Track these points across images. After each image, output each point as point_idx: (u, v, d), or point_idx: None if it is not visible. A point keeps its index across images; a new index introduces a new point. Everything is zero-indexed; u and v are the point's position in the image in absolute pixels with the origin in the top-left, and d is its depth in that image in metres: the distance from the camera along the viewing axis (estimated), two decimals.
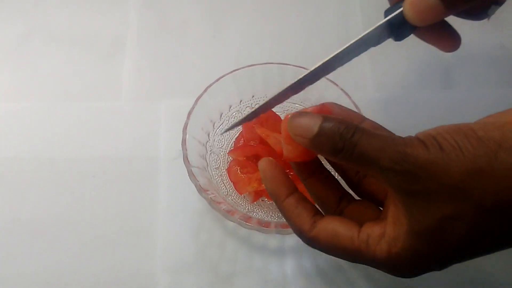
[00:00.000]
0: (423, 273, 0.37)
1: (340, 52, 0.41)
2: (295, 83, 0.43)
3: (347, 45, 0.41)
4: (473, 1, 0.39)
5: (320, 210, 0.41)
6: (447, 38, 0.43)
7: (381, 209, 0.41)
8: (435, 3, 0.38)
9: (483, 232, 0.34)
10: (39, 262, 0.55)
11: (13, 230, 0.57)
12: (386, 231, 0.37)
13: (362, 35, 0.40)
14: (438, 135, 0.34)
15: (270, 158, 0.42)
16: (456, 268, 0.37)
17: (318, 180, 0.42)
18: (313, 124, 0.37)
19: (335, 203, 0.42)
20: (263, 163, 0.41)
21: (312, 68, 0.42)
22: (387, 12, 0.40)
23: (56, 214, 0.57)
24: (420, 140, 0.34)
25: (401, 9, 0.39)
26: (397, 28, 0.40)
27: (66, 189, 0.59)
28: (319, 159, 0.43)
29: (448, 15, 0.39)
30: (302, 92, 0.59)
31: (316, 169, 0.43)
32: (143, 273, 0.55)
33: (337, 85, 0.57)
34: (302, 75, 0.42)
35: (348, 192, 0.43)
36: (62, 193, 0.59)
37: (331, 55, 0.42)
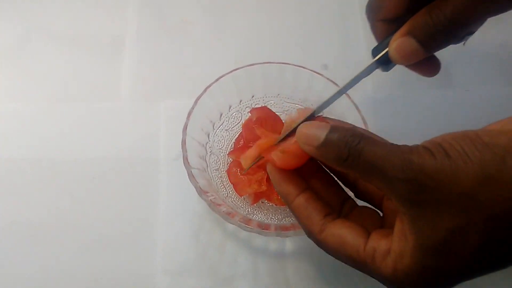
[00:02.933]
0: None
1: (337, 92, 0.46)
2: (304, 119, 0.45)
3: (343, 84, 0.45)
4: (449, 43, 0.42)
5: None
6: (428, 66, 0.46)
7: (381, 214, 0.42)
8: (416, 48, 0.42)
9: (495, 243, 0.33)
10: (38, 264, 0.55)
11: (12, 232, 0.56)
12: (392, 248, 0.36)
13: (355, 74, 0.45)
14: (444, 142, 0.34)
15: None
16: None
17: (320, 181, 0.44)
18: (320, 133, 0.38)
19: (338, 205, 0.43)
20: (270, 166, 0.43)
21: (308, 114, 0.45)
22: (374, 51, 0.45)
23: (56, 216, 0.57)
24: (426, 148, 0.34)
25: (386, 50, 0.44)
26: (384, 64, 0.45)
27: (65, 190, 0.59)
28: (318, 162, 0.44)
29: (428, 55, 0.43)
30: (302, 93, 0.59)
31: (318, 170, 0.44)
32: (142, 275, 0.54)
33: (337, 85, 0.56)
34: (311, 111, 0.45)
35: (351, 197, 0.44)
36: (61, 194, 0.59)
37: (328, 96, 0.46)
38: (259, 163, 0.51)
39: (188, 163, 0.52)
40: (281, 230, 0.49)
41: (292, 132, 0.44)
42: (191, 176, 0.52)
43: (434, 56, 0.46)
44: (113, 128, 0.63)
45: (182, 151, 0.53)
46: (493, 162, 0.32)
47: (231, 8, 0.73)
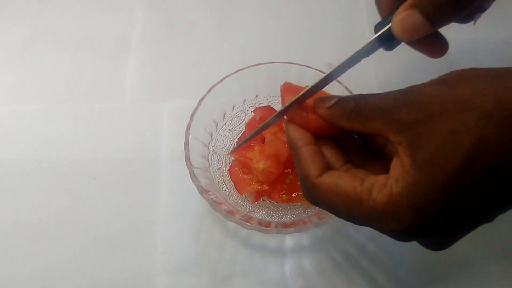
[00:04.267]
0: (423, 220, 0.34)
1: (336, 68, 0.43)
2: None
3: (342, 61, 0.42)
4: (457, 18, 0.40)
5: None
6: (434, 45, 0.44)
7: None
8: (421, 22, 0.39)
9: (488, 143, 0.32)
10: (39, 264, 0.55)
11: (13, 232, 0.57)
12: (389, 177, 0.35)
13: (355, 51, 0.42)
14: (443, 75, 0.36)
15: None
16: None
17: (347, 137, 0.43)
18: (332, 98, 0.40)
19: (357, 158, 0.42)
20: (287, 120, 0.43)
21: (312, 84, 0.43)
22: (377, 27, 0.43)
23: (57, 216, 0.58)
24: (428, 82, 0.36)
25: (389, 25, 0.41)
26: (387, 41, 0.42)
27: (67, 190, 0.59)
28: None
29: (434, 30, 0.40)
30: None
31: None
32: (143, 274, 0.54)
33: (341, 83, 0.56)
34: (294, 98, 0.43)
35: (371, 155, 0.43)
36: (63, 194, 0.59)
37: (327, 72, 0.43)
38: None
39: (190, 163, 0.52)
40: (282, 227, 0.49)
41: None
42: (193, 175, 0.52)
43: (441, 35, 0.44)
44: (117, 128, 0.63)
45: (185, 151, 0.53)
46: (487, 76, 0.34)
47: (236, 8, 0.73)
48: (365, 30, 0.70)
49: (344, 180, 0.37)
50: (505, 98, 0.32)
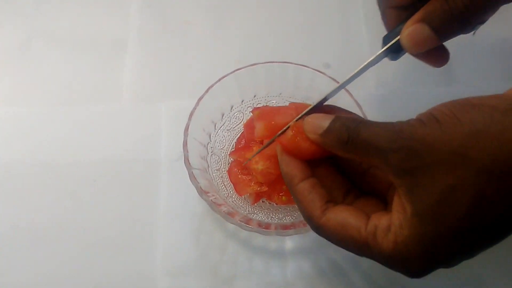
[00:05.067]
0: (432, 267, 0.36)
1: (346, 80, 0.45)
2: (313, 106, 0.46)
3: (353, 73, 0.44)
4: (464, 32, 0.42)
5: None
6: (437, 56, 0.45)
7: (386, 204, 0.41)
8: (430, 35, 0.41)
9: (488, 198, 0.33)
10: (39, 267, 0.55)
11: (13, 235, 0.57)
12: (392, 221, 0.36)
13: (365, 63, 0.44)
14: (434, 110, 0.35)
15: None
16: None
17: (327, 171, 0.44)
18: (324, 122, 0.40)
19: (342, 195, 0.43)
20: (280, 147, 0.43)
21: (318, 101, 0.46)
22: (385, 39, 0.44)
23: (57, 219, 0.58)
24: (417, 119, 0.35)
25: (397, 37, 0.43)
26: (393, 52, 0.44)
27: (66, 193, 0.59)
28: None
29: (441, 43, 0.42)
30: (304, 91, 0.59)
31: (325, 161, 0.44)
32: (143, 276, 0.54)
33: (338, 82, 0.56)
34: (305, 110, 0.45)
35: (354, 187, 0.44)
36: (62, 197, 0.59)
37: (338, 85, 0.46)
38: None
39: (189, 163, 0.52)
40: (281, 229, 0.49)
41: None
42: (192, 176, 0.52)
43: (443, 46, 0.45)
44: (115, 130, 0.63)
45: (183, 152, 0.53)
46: (481, 119, 0.33)
47: (232, 8, 0.73)
48: (361, 29, 0.70)
49: (348, 221, 0.38)
50: (502, 152, 0.32)
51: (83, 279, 0.54)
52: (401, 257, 0.36)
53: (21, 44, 0.70)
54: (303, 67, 0.58)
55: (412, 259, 0.35)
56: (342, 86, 0.46)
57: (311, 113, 0.43)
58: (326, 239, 0.40)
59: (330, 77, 0.57)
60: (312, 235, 0.55)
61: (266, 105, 0.60)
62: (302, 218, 0.53)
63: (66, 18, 0.73)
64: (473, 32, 0.43)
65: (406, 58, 0.66)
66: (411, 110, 0.62)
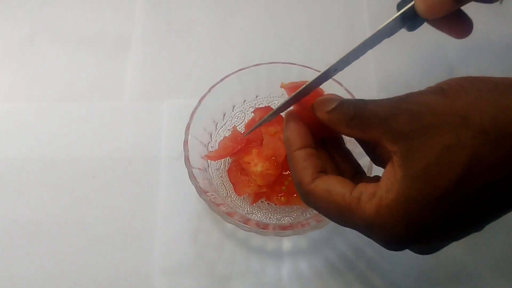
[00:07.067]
0: (412, 238, 0.35)
1: (358, 46, 0.42)
2: (322, 73, 0.43)
3: (364, 39, 0.42)
4: None
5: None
6: (459, 25, 0.44)
7: None
8: None
9: (483, 162, 0.32)
10: (36, 263, 0.55)
11: (11, 231, 0.57)
12: (379, 186, 0.35)
13: (378, 28, 0.41)
14: (442, 83, 0.35)
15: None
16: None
17: (341, 155, 0.44)
18: (333, 101, 0.40)
19: (351, 176, 0.42)
20: (290, 111, 0.43)
21: (329, 66, 0.43)
22: (399, 5, 0.42)
23: (55, 215, 0.58)
24: (425, 89, 0.36)
25: (412, 2, 0.40)
26: (409, 20, 0.41)
27: (65, 189, 0.59)
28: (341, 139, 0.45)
29: (458, 7, 0.40)
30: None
31: (340, 145, 0.45)
32: (140, 274, 0.54)
33: (341, 85, 0.56)
34: (327, 67, 0.43)
35: (363, 171, 0.44)
36: (61, 193, 0.59)
37: (350, 49, 0.42)
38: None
39: (189, 162, 0.52)
40: (279, 229, 0.49)
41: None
42: (191, 175, 0.52)
43: (465, 14, 0.43)
44: (116, 127, 0.63)
45: (184, 151, 0.53)
46: (485, 89, 0.33)
47: (236, 8, 0.73)
48: (365, 30, 0.70)
49: (335, 187, 0.38)
50: (503, 116, 0.32)
51: (81, 276, 0.54)
52: (382, 221, 0.34)
53: (24, 40, 0.70)
54: (306, 68, 0.58)
55: (393, 224, 0.34)
56: (350, 57, 0.42)
57: (317, 82, 0.43)
58: (313, 207, 0.40)
59: (332, 78, 0.56)
60: (309, 236, 0.56)
61: (268, 106, 0.60)
62: (300, 219, 0.53)
63: (70, 14, 0.73)
64: (500, 0, 0.41)
65: (409, 61, 0.66)
66: None
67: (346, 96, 0.55)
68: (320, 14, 0.73)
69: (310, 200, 0.39)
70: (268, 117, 0.45)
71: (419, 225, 0.34)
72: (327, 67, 0.42)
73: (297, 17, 0.73)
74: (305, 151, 0.41)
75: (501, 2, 0.42)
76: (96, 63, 0.68)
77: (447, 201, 0.33)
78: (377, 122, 0.36)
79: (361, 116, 0.37)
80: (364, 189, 0.36)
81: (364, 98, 0.39)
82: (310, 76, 0.56)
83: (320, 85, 0.43)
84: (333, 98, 0.41)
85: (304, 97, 0.43)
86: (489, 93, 0.33)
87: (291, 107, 0.44)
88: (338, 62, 0.42)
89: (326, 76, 0.43)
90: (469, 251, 0.54)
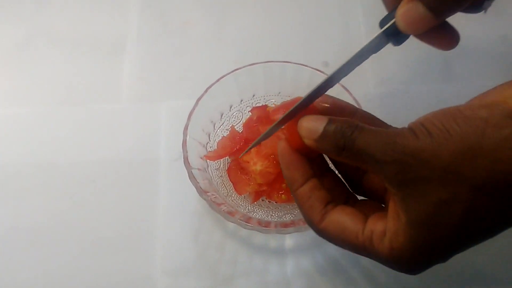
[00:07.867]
0: (428, 267, 0.37)
1: (343, 65, 0.42)
2: (305, 98, 0.43)
3: (349, 57, 0.42)
4: (462, 7, 0.39)
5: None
6: (443, 38, 0.43)
7: (384, 206, 0.42)
8: (425, 13, 0.38)
9: (480, 212, 0.34)
10: (38, 268, 0.55)
11: (12, 235, 0.57)
12: (387, 227, 0.37)
13: (362, 47, 0.41)
14: (426, 121, 0.35)
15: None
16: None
17: (330, 179, 0.44)
18: (318, 126, 0.39)
19: (343, 200, 0.43)
20: (281, 146, 0.42)
21: (315, 86, 0.43)
22: (382, 22, 0.41)
23: (56, 219, 0.58)
24: (410, 129, 0.35)
25: (394, 20, 0.40)
26: (393, 36, 0.41)
27: (66, 193, 0.59)
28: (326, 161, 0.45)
29: (439, 22, 0.39)
30: (303, 90, 0.59)
31: (327, 170, 0.45)
32: (143, 277, 0.54)
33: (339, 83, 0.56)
34: (304, 96, 0.42)
35: (354, 194, 0.44)
36: (61, 197, 0.59)
37: (335, 69, 0.42)
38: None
39: (189, 163, 0.52)
40: (281, 227, 0.49)
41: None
42: (191, 176, 0.52)
43: (451, 26, 0.42)
44: (114, 130, 0.63)
45: (183, 151, 0.53)
46: (473, 135, 0.33)
47: (231, 8, 0.73)
48: (360, 28, 0.70)
49: (347, 225, 0.39)
50: (494, 171, 0.33)
51: (83, 280, 0.54)
52: (397, 260, 0.37)
53: (19, 44, 0.70)
54: (302, 66, 0.58)
55: (408, 262, 0.37)
56: (335, 77, 0.42)
57: (305, 104, 0.42)
58: (328, 241, 0.41)
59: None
60: (311, 233, 0.55)
61: (266, 104, 0.60)
62: (302, 216, 0.53)
63: (66, 18, 0.73)
64: (483, 11, 0.41)
65: (405, 56, 0.66)
66: (411, 108, 0.63)
67: (342, 93, 0.55)
68: (315, 12, 0.73)
69: (324, 237, 0.41)
70: (259, 140, 0.46)
71: (427, 263, 0.37)
72: (310, 90, 0.42)
73: (292, 15, 0.73)
74: (307, 186, 0.41)
75: (485, 12, 0.42)
76: (93, 66, 0.68)
77: (449, 244, 0.36)
78: (371, 162, 0.36)
79: (352, 150, 0.37)
80: (373, 227, 0.38)
81: (351, 122, 0.38)
82: (305, 75, 0.57)
83: (305, 107, 0.43)
84: (316, 123, 0.39)
85: (290, 119, 0.42)
86: (477, 142, 0.33)
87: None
88: (323, 83, 0.42)
89: (309, 100, 0.43)
90: (476, 250, 0.54)
